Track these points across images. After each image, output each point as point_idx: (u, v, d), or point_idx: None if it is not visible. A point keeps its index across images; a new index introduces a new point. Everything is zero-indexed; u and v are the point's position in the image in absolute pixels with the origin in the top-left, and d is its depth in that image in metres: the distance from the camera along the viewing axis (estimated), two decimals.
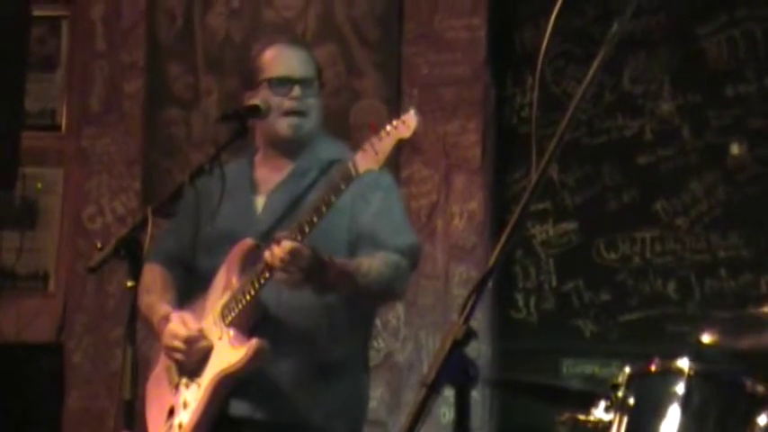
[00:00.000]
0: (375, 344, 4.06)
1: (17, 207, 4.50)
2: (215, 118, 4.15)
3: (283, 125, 2.84)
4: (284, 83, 2.83)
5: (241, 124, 2.79)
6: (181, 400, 2.78)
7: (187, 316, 2.79)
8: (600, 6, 4.05)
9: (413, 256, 2.83)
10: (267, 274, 2.64)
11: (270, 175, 2.91)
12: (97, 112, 4.57)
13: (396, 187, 2.98)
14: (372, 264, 2.74)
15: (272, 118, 2.84)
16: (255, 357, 2.68)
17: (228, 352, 2.71)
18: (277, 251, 2.58)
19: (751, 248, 3.87)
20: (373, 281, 2.73)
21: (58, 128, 4.64)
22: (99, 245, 2.59)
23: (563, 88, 4.12)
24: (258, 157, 2.96)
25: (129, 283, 2.47)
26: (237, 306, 2.72)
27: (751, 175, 3.91)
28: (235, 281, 2.77)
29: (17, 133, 3.92)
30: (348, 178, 2.56)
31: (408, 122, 2.51)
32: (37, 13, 4.20)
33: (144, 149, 4.51)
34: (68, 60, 4.65)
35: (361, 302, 2.86)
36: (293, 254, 2.57)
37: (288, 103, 2.83)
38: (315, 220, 2.59)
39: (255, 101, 2.83)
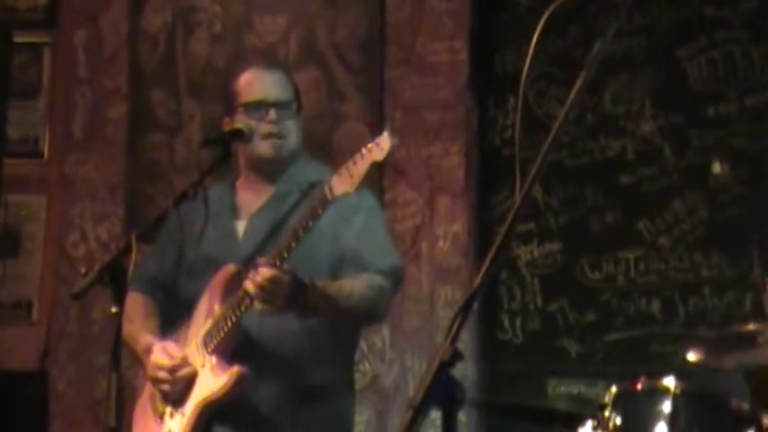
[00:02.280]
0: (361, 367, 4.05)
1: None
2: (198, 143, 4.16)
3: (264, 146, 2.83)
4: (259, 107, 2.83)
5: (225, 149, 2.80)
6: (166, 430, 2.77)
7: (170, 345, 2.79)
8: (581, 29, 4.07)
9: (396, 277, 2.83)
10: (248, 301, 2.64)
11: (251, 200, 2.90)
12: (80, 138, 4.56)
13: (378, 208, 2.98)
14: (355, 286, 2.74)
15: (252, 143, 2.84)
16: (236, 384, 2.67)
17: (211, 379, 2.71)
18: (257, 279, 2.58)
19: (734, 267, 3.89)
20: (356, 303, 2.73)
21: (41, 155, 4.62)
22: (83, 271, 2.58)
23: (545, 110, 4.14)
24: (240, 182, 2.96)
25: (114, 309, 2.46)
26: (219, 333, 2.72)
27: (733, 194, 3.93)
28: (217, 307, 2.76)
29: None
30: (324, 201, 2.57)
31: (382, 144, 2.52)
32: (18, 40, 4.20)
33: (127, 175, 4.50)
34: (50, 87, 4.64)
35: (344, 325, 2.85)
36: (272, 281, 2.57)
37: (264, 127, 2.83)
38: (293, 245, 2.59)
39: (239, 125, 2.83)
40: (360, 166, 2.52)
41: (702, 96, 4.00)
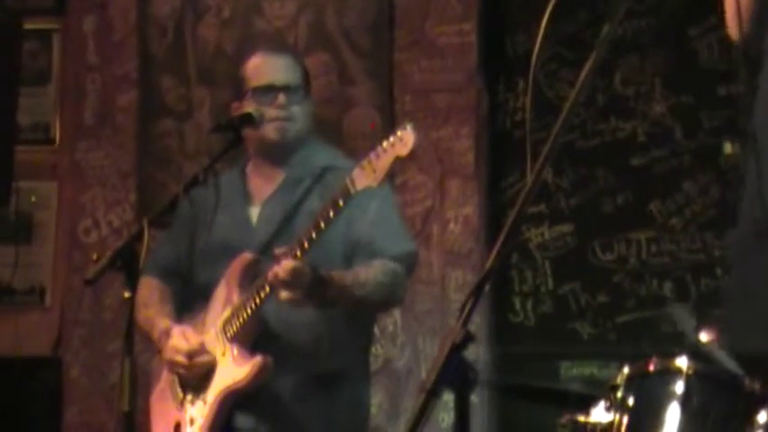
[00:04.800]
0: (373, 350, 4.05)
1: (12, 222, 4.49)
2: (208, 129, 4.17)
3: (270, 129, 2.83)
4: (267, 91, 2.82)
5: (235, 134, 2.80)
6: (187, 417, 2.79)
7: (188, 330, 2.79)
8: (591, 10, 4.06)
9: (410, 263, 2.83)
10: (267, 289, 2.64)
11: (263, 185, 2.90)
12: (90, 125, 4.57)
13: (391, 194, 2.98)
14: (369, 274, 2.74)
15: (261, 128, 2.84)
16: (260, 374, 2.68)
17: (233, 369, 2.72)
18: (279, 271, 2.57)
19: None
20: (371, 291, 2.73)
21: (52, 141, 4.64)
22: (95, 257, 2.59)
23: (556, 92, 4.13)
24: (250, 167, 2.95)
25: (126, 295, 2.47)
26: (238, 321, 2.73)
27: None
28: (235, 296, 2.77)
29: (10, 148, 3.91)
30: (346, 195, 2.55)
31: (406, 139, 2.48)
32: (28, 26, 4.20)
33: (138, 161, 4.51)
34: (60, 74, 4.64)
35: (361, 313, 2.86)
36: (294, 274, 2.57)
37: (272, 112, 2.82)
38: (314, 236, 2.59)
39: (249, 109, 2.83)
40: (383, 160, 2.50)
41: (713, 76, 3.98)
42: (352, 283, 2.71)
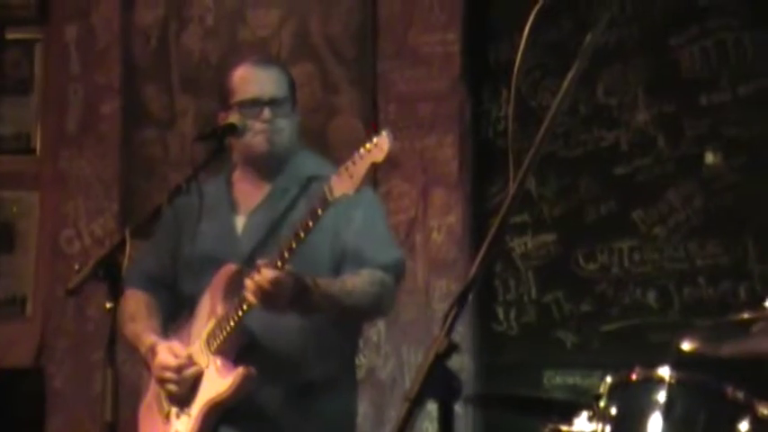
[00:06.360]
0: (357, 360, 4.05)
1: None
2: (192, 138, 4.15)
3: (257, 141, 2.82)
4: (254, 105, 2.82)
5: (218, 143, 2.79)
6: (173, 431, 2.77)
7: (174, 344, 2.79)
8: (575, 19, 4.07)
9: (397, 271, 2.84)
10: (250, 302, 2.63)
11: (249, 194, 2.90)
12: (73, 134, 4.55)
13: (378, 202, 2.98)
14: (356, 282, 2.73)
15: (246, 138, 2.83)
16: (243, 385, 2.68)
17: (216, 381, 2.71)
18: (259, 281, 2.57)
19: (729, 256, 3.89)
20: (358, 299, 2.73)
21: (34, 151, 4.62)
22: (77, 267, 2.58)
23: (539, 101, 4.14)
24: (236, 176, 2.95)
25: (108, 305, 2.46)
26: (222, 333, 2.72)
27: (727, 183, 3.94)
28: (219, 307, 2.76)
29: None
30: (324, 203, 2.56)
31: (381, 145, 2.50)
32: (10, 36, 4.19)
33: (121, 171, 4.50)
34: (43, 83, 4.63)
35: (348, 321, 2.85)
36: (274, 284, 2.56)
37: (259, 126, 2.82)
38: (294, 246, 2.58)
39: (232, 119, 2.82)
40: (359, 166, 2.51)
41: (695, 85, 4.00)
42: (339, 291, 2.70)
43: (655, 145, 4.05)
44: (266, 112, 2.81)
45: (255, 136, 2.82)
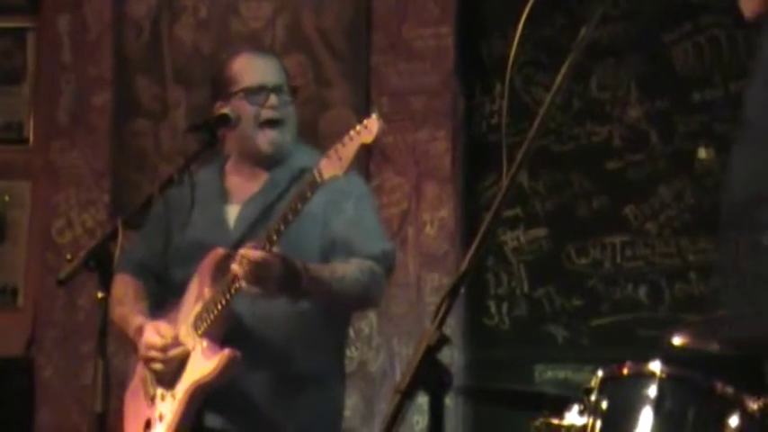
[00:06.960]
0: (348, 353, 4.05)
1: None
2: (184, 129, 4.15)
3: (264, 141, 2.82)
4: (259, 91, 2.82)
5: (210, 134, 2.79)
6: (157, 413, 2.77)
7: (161, 324, 2.78)
8: (568, 15, 4.07)
9: (387, 262, 2.83)
10: (238, 284, 2.63)
11: (244, 185, 2.89)
12: (65, 124, 4.54)
13: (369, 194, 2.99)
14: (347, 269, 2.73)
15: (248, 129, 2.82)
16: (227, 367, 2.67)
17: (201, 363, 2.70)
18: (245, 263, 2.57)
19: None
20: (348, 286, 2.73)
21: (26, 141, 4.61)
22: (69, 257, 2.57)
23: (532, 96, 4.14)
24: (229, 166, 2.95)
25: (100, 295, 2.45)
26: (209, 316, 2.71)
27: (719, 179, 3.94)
28: (207, 291, 2.75)
29: None
30: (313, 185, 2.56)
31: (370, 127, 2.51)
32: (2, 25, 4.18)
33: (112, 162, 4.49)
34: (35, 73, 4.61)
35: (337, 309, 2.85)
36: (261, 264, 2.56)
37: (265, 113, 2.81)
38: (282, 228, 2.58)
39: (225, 110, 2.82)
40: (349, 148, 2.51)
41: (688, 82, 4.01)
42: (329, 276, 2.70)
43: (647, 141, 4.06)
44: (272, 98, 2.81)
45: (260, 130, 2.81)
